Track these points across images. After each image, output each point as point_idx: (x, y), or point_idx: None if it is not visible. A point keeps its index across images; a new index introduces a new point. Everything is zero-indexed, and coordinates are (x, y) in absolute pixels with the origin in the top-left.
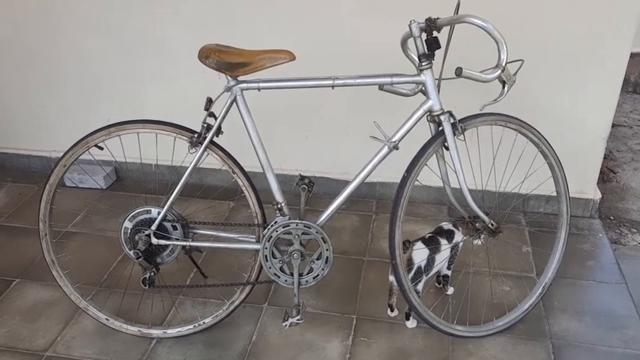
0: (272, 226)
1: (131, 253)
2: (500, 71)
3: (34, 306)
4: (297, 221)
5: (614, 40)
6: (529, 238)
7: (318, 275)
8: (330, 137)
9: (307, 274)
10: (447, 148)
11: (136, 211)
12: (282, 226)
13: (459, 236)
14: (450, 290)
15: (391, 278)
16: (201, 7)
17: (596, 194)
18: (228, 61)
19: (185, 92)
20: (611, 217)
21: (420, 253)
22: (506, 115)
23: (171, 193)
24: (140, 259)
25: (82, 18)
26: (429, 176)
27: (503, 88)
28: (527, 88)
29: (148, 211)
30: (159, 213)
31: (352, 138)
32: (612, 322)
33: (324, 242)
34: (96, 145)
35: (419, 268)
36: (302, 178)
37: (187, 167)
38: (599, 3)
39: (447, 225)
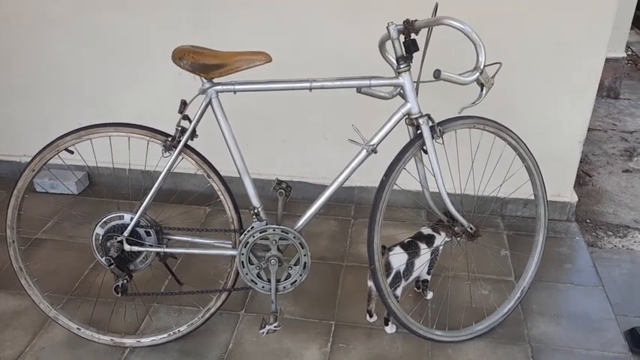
0: (249, 231)
1: (103, 260)
2: (478, 74)
3: (1, 316)
4: (274, 226)
5: (589, 45)
6: (507, 242)
7: (295, 281)
8: (307, 141)
9: (285, 280)
10: (426, 152)
11: (108, 217)
12: (259, 232)
13: (439, 240)
14: (430, 295)
15: (370, 283)
16: (175, 10)
17: (572, 197)
18: (202, 63)
19: (159, 95)
20: (588, 220)
21: (398, 258)
22: (484, 119)
23: (145, 199)
24: (112, 267)
25: (52, 20)
26: (407, 180)
27: (482, 90)
28: (505, 92)
29: (121, 217)
30: (131, 219)
31: (330, 142)
32: (590, 325)
33: (302, 247)
34: (66, 149)
35: (397, 272)
36: (279, 182)
37: (161, 172)
38: (575, 8)
39: (426, 230)
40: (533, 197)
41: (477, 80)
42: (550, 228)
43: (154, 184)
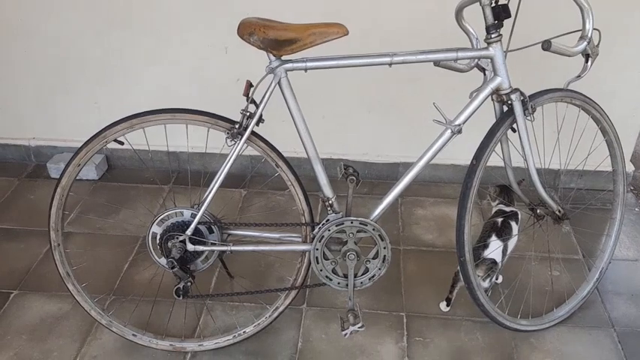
0: (324, 224)
1: (163, 262)
2: (586, 43)
3: (42, 322)
4: (352, 218)
5: None
6: None
7: (374, 276)
8: (347, 117)
9: (362, 274)
10: (514, 130)
11: (166, 214)
12: (336, 225)
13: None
14: (500, 279)
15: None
16: None
17: (630, 167)
18: (274, 38)
19: (183, 72)
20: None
21: (497, 250)
22: (572, 91)
23: (207, 193)
24: (175, 269)
25: None
26: (453, 154)
27: (587, 62)
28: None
29: (180, 214)
30: (192, 215)
31: (372, 117)
32: None
33: (382, 240)
34: (115, 140)
35: (494, 262)
36: (346, 167)
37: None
38: None
39: (507, 207)
40: (586, 168)
41: (584, 50)
42: (607, 200)
43: (216, 177)
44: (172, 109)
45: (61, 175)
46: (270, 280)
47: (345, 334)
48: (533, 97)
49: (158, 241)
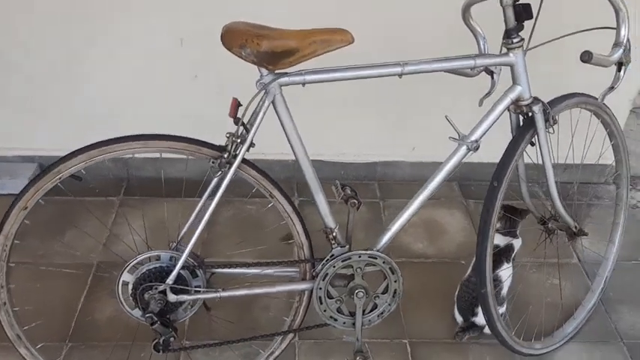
0: (328, 260)
1: (138, 314)
2: (622, 50)
3: None
4: (360, 252)
5: None
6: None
7: (383, 312)
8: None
9: (370, 311)
10: (533, 144)
11: (139, 259)
12: (342, 260)
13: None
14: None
15: (458, 318)
16: None
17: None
18: (270, 50)
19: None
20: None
21: (506, 272)
22: (587, 95)
23: (193, 234)
24: (156, 325)
25: None
26: (433, 151)
27: (619, 70)
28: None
29: (157, 258)
30: (173, 259)
31: (348, 113)
32: None
33: (393, 273)
34: (72, 176)
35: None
36: (343, 187)
37: None
38: None
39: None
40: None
41: (620, 58)
42: (591, 194)
43: (203, 215)
44: (142, 135)
45: (2, 223)
46: (260, 319)
47: None
48: (551, 105)
49: (131, 292)
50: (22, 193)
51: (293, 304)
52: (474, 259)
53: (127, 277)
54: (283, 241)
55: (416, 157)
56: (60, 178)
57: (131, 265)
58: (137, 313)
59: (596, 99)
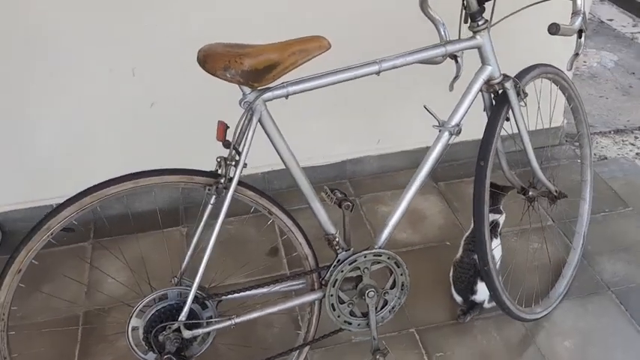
0: (335, 266)
1: (152, 358)
2: (581, 18)
3: None
4: (364, 252)
5: None
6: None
7: (394, 307)
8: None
9: (382, 308)
10: (508, 119)
11: (146, 301)
12: (349, 263)
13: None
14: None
15: (457, 298)
16: None
17: (564, 121)
18: (253, 68)
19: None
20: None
21: (498, 248)
22: (548, 65)
23: (188, 258)
24: None
25: None
26: (401, 140)
27: (580, 37)
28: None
29: (163, 297)
30: (180, 294)
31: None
32: None
33: (398, 267)
34: (64, 229)
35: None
36: (333, 191)
37: None
38: None
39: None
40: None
41: (581, 25)
42: (546, 156)
43: (207, 246)
44: (133, 174)
45: None
46: (267, 337)
47: None
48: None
49: (143, 336)
50: (13, 257)
51: (304, 316)
52: (463, 239)
53: (135, 322)
54: (269, 255)
55: (381, 149)
56: (52, 234)
57: (138, 309)
58: (151, 357)
59: (555, 67)
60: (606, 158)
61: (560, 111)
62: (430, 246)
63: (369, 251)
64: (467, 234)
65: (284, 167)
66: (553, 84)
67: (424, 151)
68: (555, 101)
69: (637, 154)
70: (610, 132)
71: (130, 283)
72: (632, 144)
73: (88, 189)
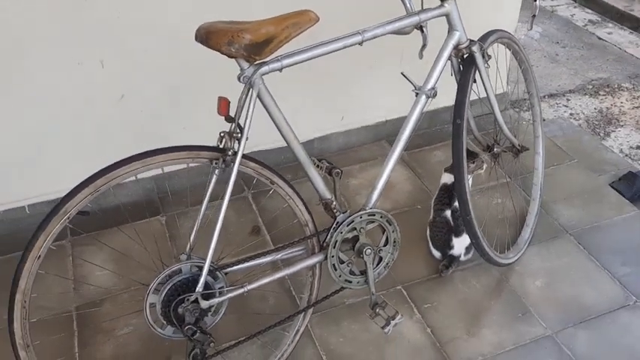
0: (335, 228)
1: (170, 332)
2: None
3: None
4: (360, 213)
5: None
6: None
7: (388, 263)
8: None
9: (377, 265)
10: (474, 81)
11: (161, 277)
12: (347, 224)
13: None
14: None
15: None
16: None
17: (508, 87)
18: (254, 42)
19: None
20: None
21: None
22: (502, 31)
23: (195, 229)
24: (197, 335)
25: None
26: (363, 116)
27: (535, 0)
28: None
29: (178, 272)
30: (194, 267)
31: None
32: (593, 197)
33: (390, 224)
34: (80, 212)
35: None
36: (320, 160)
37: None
38: None
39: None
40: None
41: None
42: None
43: (217, 218)
44: (140, 154)
45: (16, 276)
46: (265, 308)
47: (388, 331)
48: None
49: (161, 311)
50: (32, 243)
51: (307, 279)
52: (432, 201)
53: (152, 298)
54: (252, 234)
55: (346, 126)
56: (69, 218)
57: (153, 287)
58: (169, 330)
59: (508, 32)
60: (544, 120)
61: (504, 78)
62: (403, 211)
63: (364, 211)
64: (435, 196)
65: (272, 147)
66: (506, 48)
67: (383, 125)
68: (498, 68)
69: (570, 114)
70: (545, 97)
71: (123, 272)
72: (566, 105)
73: (100, 171)
